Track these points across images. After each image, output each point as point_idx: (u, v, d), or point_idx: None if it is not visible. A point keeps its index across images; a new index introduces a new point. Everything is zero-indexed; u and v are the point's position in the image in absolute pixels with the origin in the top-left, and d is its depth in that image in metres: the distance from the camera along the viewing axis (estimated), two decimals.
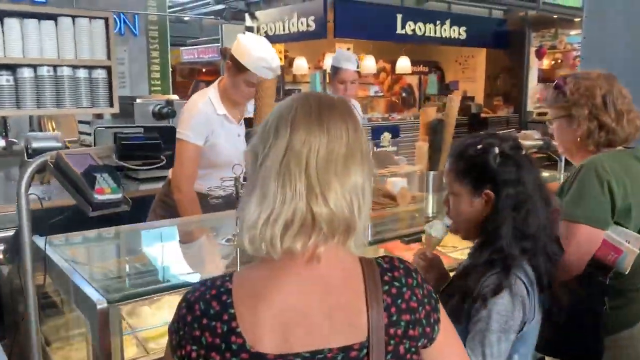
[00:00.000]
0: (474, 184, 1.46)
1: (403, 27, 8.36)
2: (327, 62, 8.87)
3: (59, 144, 1.59)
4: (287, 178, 0.95)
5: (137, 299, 1.32)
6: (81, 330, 1.87)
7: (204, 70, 12.18)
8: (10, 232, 3.12)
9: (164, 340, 1.53)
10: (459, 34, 8.98)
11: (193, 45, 11.61)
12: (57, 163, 1.43)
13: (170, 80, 7.02)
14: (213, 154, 2.50)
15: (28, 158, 1.53)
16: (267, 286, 0.97)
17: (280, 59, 10.02)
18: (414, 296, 1.03)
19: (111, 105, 3.41)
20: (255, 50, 2.40)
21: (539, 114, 10.63)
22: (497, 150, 1.43)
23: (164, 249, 1.95)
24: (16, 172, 4.15)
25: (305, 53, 9.50)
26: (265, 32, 8.68)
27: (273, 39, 8.81)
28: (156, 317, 1.64)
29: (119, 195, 1.39)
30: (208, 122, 2.48)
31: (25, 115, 3.35)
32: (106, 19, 3.38)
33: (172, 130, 1.80)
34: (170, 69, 7.18)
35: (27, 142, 1.55)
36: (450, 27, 8.84)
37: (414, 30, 8.47)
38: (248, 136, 2.67)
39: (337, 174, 0.96)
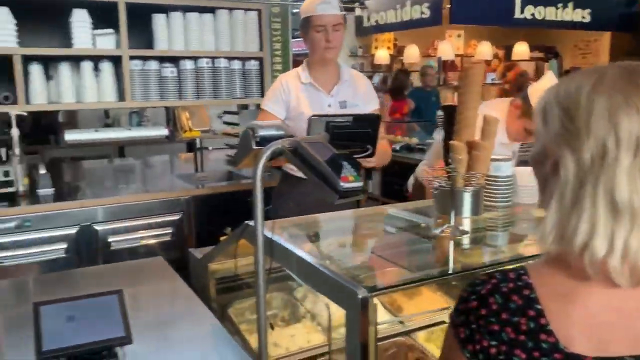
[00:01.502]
0: None
1: (522, 11, 7.95)
2: (441, 49, 8.65)
3: (283, 132, 1.61)
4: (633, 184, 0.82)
5: (396, 287, 1.30)
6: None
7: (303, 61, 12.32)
8: (175, 217, 3.30)
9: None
10: (582, 17, 8.42)
11: (299, 38, 11.77)
12: (295, 150, 1.44)
13: None
14: (300, 123, 2.41)
15: (256, 146, 1.55)
16: (577, 286, 0.88)
17: (389, 47, 9.98)
18: None
19: (262, 95, 3.47)
20: None
21: None
22: None
23: (380, 237, 1.93)
24: (170, 159, 4.36)
25: (414, 41, 9.32)
26: (376, 21, 8.59)
27: (384, 28, 8.70)
28: None
29: (360, 184, 1.38)
30: (286, 90, 2.62)
31: (185, 105, 3.48)
32: (259, 11, 3.45)
33: (377, 119, 1.77)
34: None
35: (253, 131, 1.59)
36: (573, 9, 8.32)
37: (533, 14, 8.03)
38: (343, 105, 2.63)
39: None
